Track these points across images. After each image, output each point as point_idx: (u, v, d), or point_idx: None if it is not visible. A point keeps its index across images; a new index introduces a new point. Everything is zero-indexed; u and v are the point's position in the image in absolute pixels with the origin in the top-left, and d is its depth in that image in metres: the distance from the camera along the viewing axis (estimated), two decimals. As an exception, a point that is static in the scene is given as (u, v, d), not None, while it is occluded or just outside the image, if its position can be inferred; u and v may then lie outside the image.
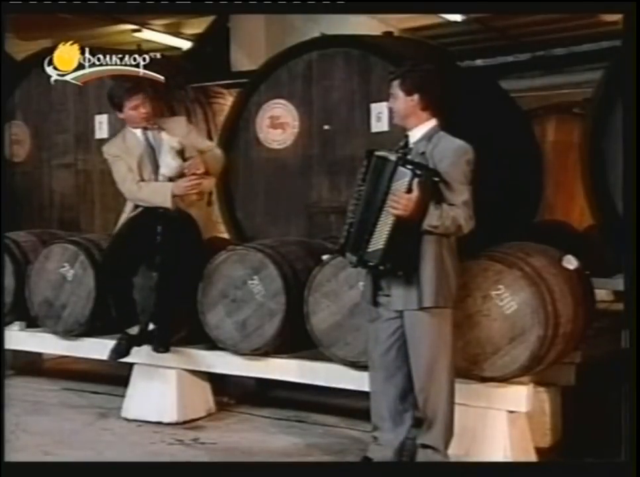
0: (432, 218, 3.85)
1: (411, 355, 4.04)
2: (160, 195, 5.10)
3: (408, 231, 3.87)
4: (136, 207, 5.22)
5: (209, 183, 5.36)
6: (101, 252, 5.66)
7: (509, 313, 4.38)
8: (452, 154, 3.94)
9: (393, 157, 3.93)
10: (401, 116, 4.09)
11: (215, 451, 4.85)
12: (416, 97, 4.01)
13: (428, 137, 4.02)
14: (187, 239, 5.12)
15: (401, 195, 3.82)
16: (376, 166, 3.98)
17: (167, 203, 5.07)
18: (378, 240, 3.90)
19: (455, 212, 3.89)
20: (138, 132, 5.23)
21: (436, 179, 3.87)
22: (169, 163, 5.15)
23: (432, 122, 4.06)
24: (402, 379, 4.12)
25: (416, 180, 3.82)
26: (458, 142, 3.99)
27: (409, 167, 3.85)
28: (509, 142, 5.88)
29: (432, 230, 3.88)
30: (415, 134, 4.05)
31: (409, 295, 3.94)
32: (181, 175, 5.14)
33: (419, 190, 3.81)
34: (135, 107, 5.17)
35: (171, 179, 5.14)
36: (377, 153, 4.01)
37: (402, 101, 4.05)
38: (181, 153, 5.15)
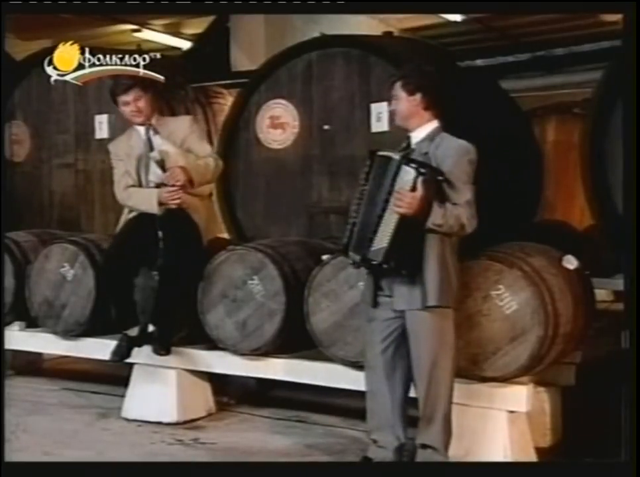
0: (437, 217, 3.85)
1: (412, 354, 4.03)
2: (146, 202, 5.10)
3: (412, 229, 3.87)
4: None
5: (201, 189, 5.29)
6: (101, 252, 5.65)
7: (509, 313, 4.37)
8: (454, 154, 3.95)
9: (396, 156, 3.94)
10: (403, 116, 4.10)
11: (215, 451, 4.85)
12: (418, 96, 4.04)
13: (430, 138, 4.04)
14: (187, 239, 5.11)
15: (406, 193, 3.82)
16: (380, 165, 3.98)
17: (154, 210, 5.07)
18: (382, 239, 3.89)
19: (458, 211, 3.89)
20: (142, 130, 5.20)
21: (440, 178, 3.88)
22: (155, 171, 5.13)
23: (434, 124, 4.08)
24: (398, 379, 4.12)
25: (420, 178, 3.82)
26: (461, 142, 4.01)
27: (413, 165, 3.85)
28: (509, 142, 5.87)
29: (436, 228, 3.88)
30: (418, 135, 4.07)
31: (412, 295, 3.93)
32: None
33: (423, 188, 3.82)
34: (126, 104, 5.14)
35: (159, 186, 5.11)
36: (380, 153, 4.03)
37: (404, 101, 4.06)
38: (161, 163, 5.08)
